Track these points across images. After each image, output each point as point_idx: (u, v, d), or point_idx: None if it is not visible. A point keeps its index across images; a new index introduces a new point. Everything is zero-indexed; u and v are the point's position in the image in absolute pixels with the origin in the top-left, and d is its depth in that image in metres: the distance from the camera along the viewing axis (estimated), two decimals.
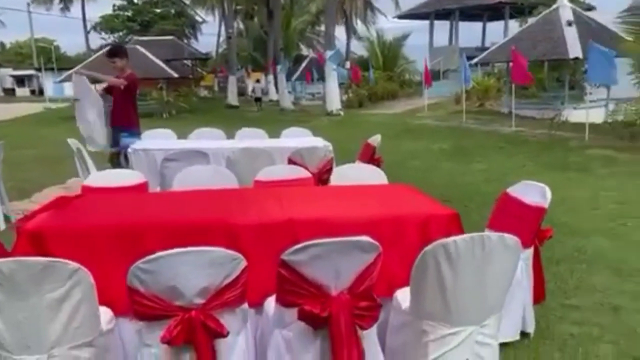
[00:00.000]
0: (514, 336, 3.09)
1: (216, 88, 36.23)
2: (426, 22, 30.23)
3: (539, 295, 3.28)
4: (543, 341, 3.16)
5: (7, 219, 6.01)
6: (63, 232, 2.73)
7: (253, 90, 30.54)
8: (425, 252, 2.34)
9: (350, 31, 37.21)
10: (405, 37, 31.91)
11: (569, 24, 16.00)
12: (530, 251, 3.13)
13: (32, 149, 7.68)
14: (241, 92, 31.65)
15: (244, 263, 2.23)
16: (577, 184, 7.56)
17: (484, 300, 2.46)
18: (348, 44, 36.84)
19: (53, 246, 2.62)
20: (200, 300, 2.15)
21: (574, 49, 15.18)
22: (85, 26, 44.49)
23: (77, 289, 2.07)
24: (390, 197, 3.47)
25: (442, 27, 30.60)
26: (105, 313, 2.37)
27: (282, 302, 2.34)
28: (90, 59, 27.65)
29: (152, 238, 2.73)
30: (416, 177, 7.90)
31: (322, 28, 38.27)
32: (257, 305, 2.65)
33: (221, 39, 39.27)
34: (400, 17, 32.18)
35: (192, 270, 2.10)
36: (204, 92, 33.61)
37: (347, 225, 2.76)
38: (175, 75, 25.60)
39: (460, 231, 2.86)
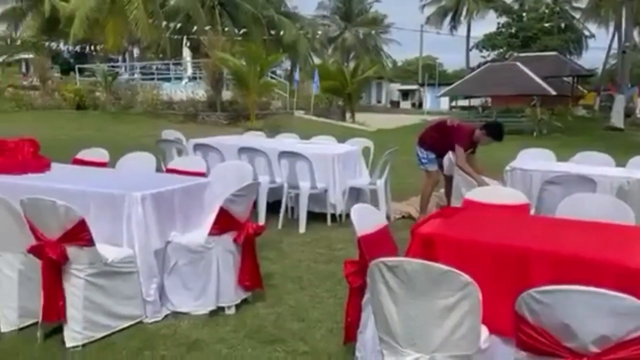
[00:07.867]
0: None
1: (596, 107, 32.97)
2: None
3: None
4: None
5: (387, 218, 6.80)
6: (450, 240, 2.85)
7: None
8: None
9: None
10: None
11: None
12: None
13: (406, 155, 8.37)
14: (627, 114, 27.86)
15: None
16: None
17: None
18: None
19: (440, 252, 2.76)
20: (594, 349, 1.90)
21: None
22: (467, 44, 47.01)
23: (465, 301, 2.10)
24: None
25: None
26: (483, 331, 2.36)
27: None
28: (468, 76, 29.09)
29: (536, 265, 2.59)
30: None
31: None
32: None
33: (610, 53, 35.41)
34: None
35: (592, 314, 1.87)
36: (581, 112, 31.04)
37: None
38: (553, 92, 24.47)
39: None
